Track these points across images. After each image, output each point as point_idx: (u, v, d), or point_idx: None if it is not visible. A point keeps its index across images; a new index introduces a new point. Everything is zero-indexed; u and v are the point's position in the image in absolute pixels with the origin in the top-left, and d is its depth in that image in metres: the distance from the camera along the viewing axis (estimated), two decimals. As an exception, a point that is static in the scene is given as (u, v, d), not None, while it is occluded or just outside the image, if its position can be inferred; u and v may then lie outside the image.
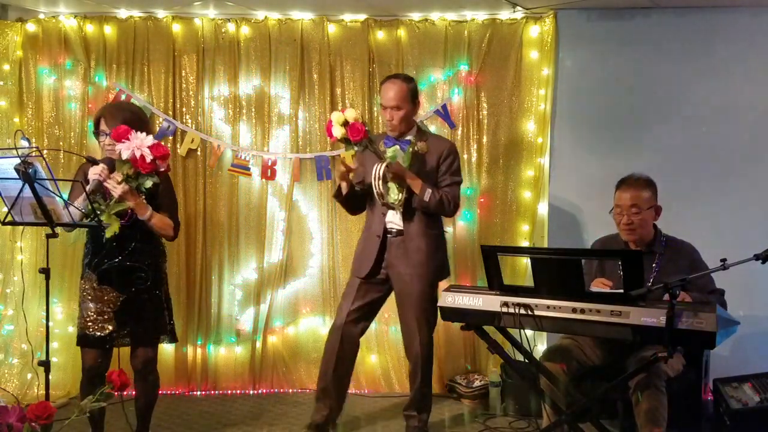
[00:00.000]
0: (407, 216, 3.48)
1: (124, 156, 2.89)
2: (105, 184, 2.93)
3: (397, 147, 3.48)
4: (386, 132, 3.61)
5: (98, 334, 3.05)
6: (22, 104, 4.36)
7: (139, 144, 2.89)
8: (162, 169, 2.99)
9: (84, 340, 3.08)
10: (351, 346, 3.61)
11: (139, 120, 3.08)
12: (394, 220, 3.51)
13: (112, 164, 2.98)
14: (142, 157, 2.89)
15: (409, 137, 3.52)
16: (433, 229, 3.55)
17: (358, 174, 3.53)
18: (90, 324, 3.05)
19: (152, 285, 3.14)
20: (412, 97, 3.53)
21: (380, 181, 3.36)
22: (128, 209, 2.97)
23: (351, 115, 3.35)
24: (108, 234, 2.95)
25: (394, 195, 3.41)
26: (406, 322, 3.59)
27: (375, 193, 3.40)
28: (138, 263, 3.09)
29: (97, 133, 3.13)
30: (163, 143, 3.18)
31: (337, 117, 3.35)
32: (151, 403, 3.28)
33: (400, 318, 3.65)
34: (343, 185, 3.47)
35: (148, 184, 2.98)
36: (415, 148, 3.45)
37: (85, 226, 2.97)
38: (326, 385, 3.58)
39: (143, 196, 3.02)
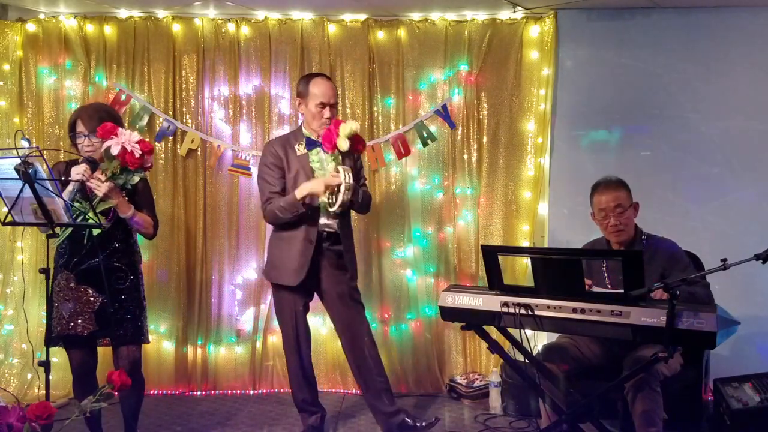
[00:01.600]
0: (340, 218, 3.46)
1: (115, 152, 2.91)
2: (88, 183, 2.92)
3: (320, 149, 3.43)
4: (301, 131, 3.53)
5: (80, 334, 3.04)
6: (22, 104, 4.36)
7: (127, 139, 2.91)
8: (148, 165, 3.03)
9: (67, 340, 3.07)
10: (309, 352, 3.61)
11: (114, 120, 3.08)
12: (330, 223, 3.44)
13: (92, 164, 2.99)
14: (132, 152, 2.91)
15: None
16: (351, 229, 3.61)
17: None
18: (71, 325, 3.04)
19: (132, 284, 3.14)
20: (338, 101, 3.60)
21: (350, 192, 3.29)
22: (110, 208, 2.97)
23: (356, 127, 3.32)
24: (95, 232, 2.96)
25: (343, 207, 3.38)
26: (350, 317, 3.51)
27: (341, 201, 3.29)
28: (118, 263, 3.10)
29: (73, 135, 3.12)
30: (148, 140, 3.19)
31: (348, 130, 3.26)
32: (139, 405, 3.26)
33: (339, 317, 3.54)
34: (303, 198, 3.32)
35: (136, 179, 3.01)
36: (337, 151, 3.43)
37: (86, 226, 2.96)
38: (305, 396, 3.59)
39: (124, 194, 3.03)
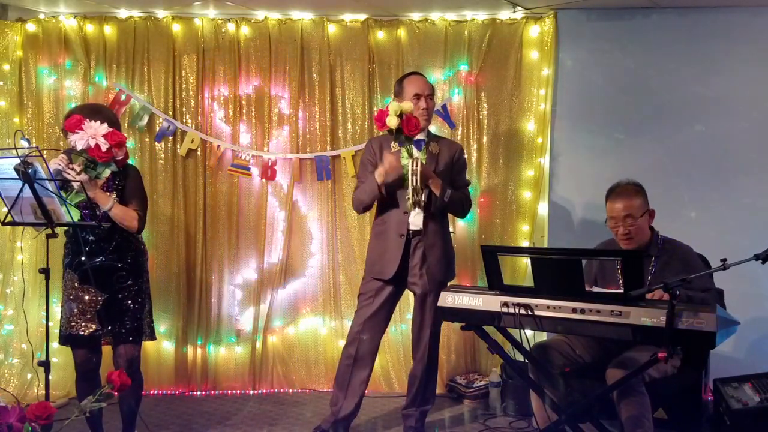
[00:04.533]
0: (425, 216, 3.48)
1: (79, 146, 2.90)
2: (64, 174, 2.91)
3: (413, 146, 3.47)
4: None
5: (82, 333, 3.07)
6: (22, 104, 4.36)
7: (93, 133, 2.89)
8: (120, 157, 3.00)
9: (70, 339, 3.09)
10: (371, 352, 3.58)
11: (110, 122, 3.06)
12: (414, 220, 3.48)
13: (70, 155, 3.00)
14: (98, 146, 2.89)
15: (420, 137, 3.52)
16: (444, 229, 3.58)
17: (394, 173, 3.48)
18: (74, 324, 3.06)
19: (134, 283, 3.15)
20: (435, 92, 3.59)
21: (416, 177, 3.32)
22: (85, 201, 2.97)
23: (408, 107, 3.35)
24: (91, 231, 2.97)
25: (417, 194, 3.41)
26: (418, 320, 3.58)
27: (410, 190, 3.35)
28: (119, 262, 3.11)
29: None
30: (120, 131, 3.13)
31: (395, 107, 3.30)
32: (138, 404, 3.27)
33: (413, 317, 3.64)
34: (380, 180, 3.42)
35: (107, 173, 3.00)
36: (429, 148, 3.49)
37: (85, 226, 2.97)
38: (344, 390, 3.56)
39: (114, 193, 3.04)
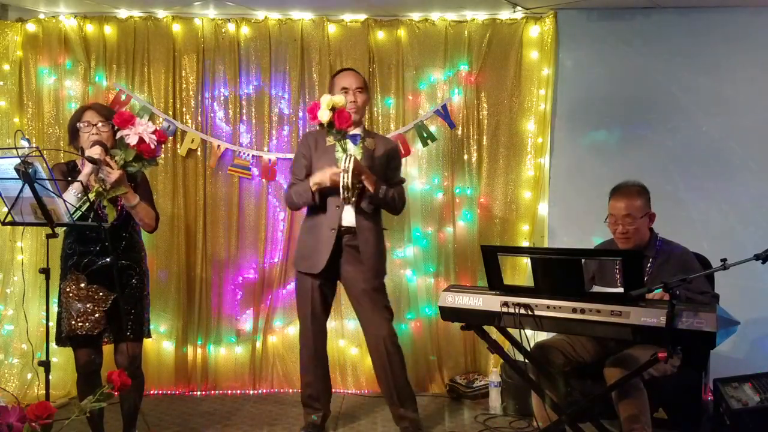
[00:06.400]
0: (357, 212, 3.46)
1: (132, 141, 2.95)
2: (102, 167, 2.93)
3: (348, 141, 3.47)
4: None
5: (90, 333, 3.07)
6: (22, 104, 4.36)
7: (144, 130, 2.96)
8: (159, 155, 3.11)
9: (75, 340, 3.09)
10: (323, 346, 3.62)
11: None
12: (346, 216, 3.46)
13: (103, 147, 3.01)
14: (148, 143, 2.96)
15: (356, 132, 3.52)
16: (378, 226, 3.57)
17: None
18: (81, 324, 3.06)
19: (138, 281, 3.18)
20: (367, 87, 3.60)
21: (348, 174, 3.28)
22: (118, 201, 3.04)
23: (340, 101, 3.35)
24: (110, 220, 3.00)
25: (347, 191, 3.38)
26: (367, 318, 3.54)
27: (341, 186, 3.29)
28: (127, 261, 3.14)
29: (77, 127, 3.11)
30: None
31: (327, 100, 3.31)
32: (139, 403, 3.27)
33: (358, 315, 3.60)
34: (314, 188, 3.41)
35: (149, 168, 3.11)
36: (364, 144, 3.48)
37: (86, 226, 2.97)
38: (312, 391, 3.60)
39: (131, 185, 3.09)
